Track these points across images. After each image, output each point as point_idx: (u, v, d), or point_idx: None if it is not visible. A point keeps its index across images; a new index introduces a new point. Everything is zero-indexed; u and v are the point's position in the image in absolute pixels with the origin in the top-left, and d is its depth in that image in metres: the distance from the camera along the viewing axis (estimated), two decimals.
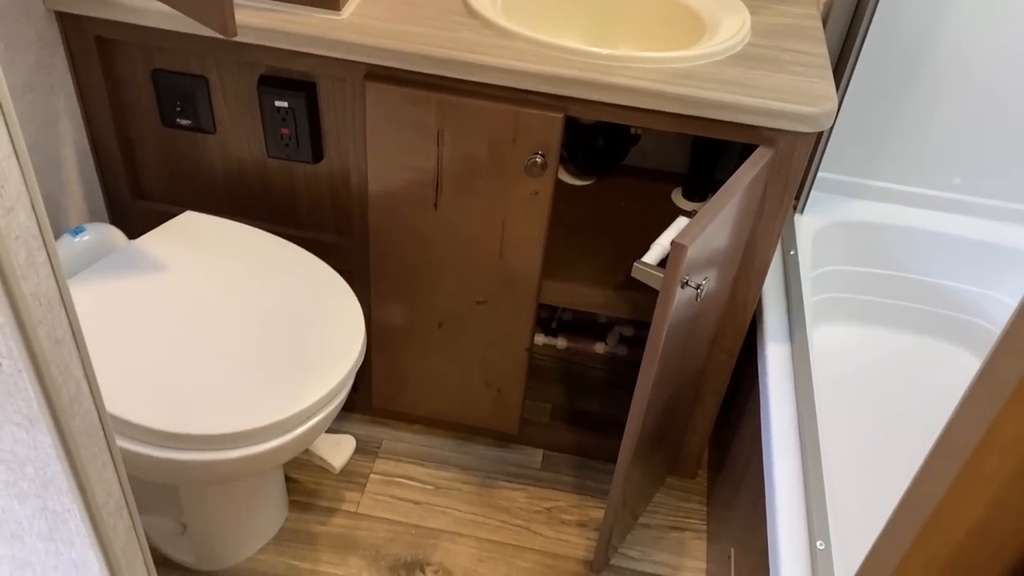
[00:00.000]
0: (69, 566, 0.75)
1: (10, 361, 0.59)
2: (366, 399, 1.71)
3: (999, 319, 1.71)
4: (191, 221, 1.41)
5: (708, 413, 1.58)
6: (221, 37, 1.25)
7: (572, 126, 1.63)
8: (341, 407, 1.25)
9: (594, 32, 1.46)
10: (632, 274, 1.18)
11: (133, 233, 1.45)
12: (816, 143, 1.57)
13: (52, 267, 0.59)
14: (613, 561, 1.56)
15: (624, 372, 1.88)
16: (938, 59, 1.52)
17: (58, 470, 0.66)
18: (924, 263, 1.70)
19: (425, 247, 1.43)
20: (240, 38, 1.24)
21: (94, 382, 0.67)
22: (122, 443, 1.12)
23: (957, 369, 1.74)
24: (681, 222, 1.27)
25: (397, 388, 1.67)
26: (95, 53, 1.34)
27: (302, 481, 1.63)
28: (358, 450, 1.70)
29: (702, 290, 1.18)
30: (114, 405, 1.11)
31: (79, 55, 1.35)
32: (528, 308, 1.48)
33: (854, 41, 1.45)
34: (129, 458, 1.14)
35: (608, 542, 1.48)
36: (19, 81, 1.28)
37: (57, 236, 1.37)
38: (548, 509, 1.64)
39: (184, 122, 1.40)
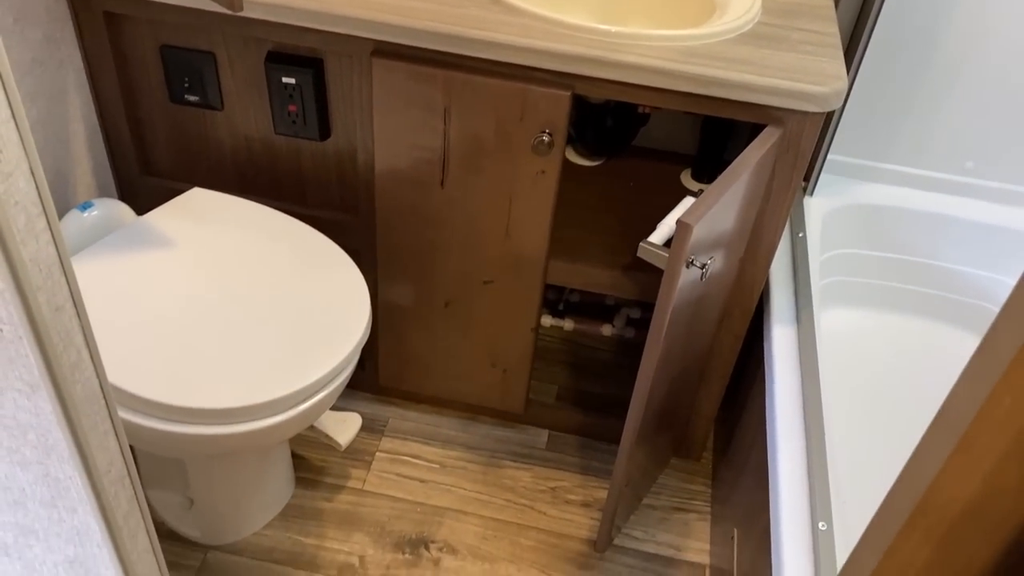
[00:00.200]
0: (72, 533, 0.76)
1: (10, 327, 0.59)
2: (372, 378, 1.72)
3: None
4: (198, 197, 1.41)
5: (713, 395, 1.58)
6: (228, 12, 1.25)
7: (581, 106, 1.62)
8: (346, 384, 1.26)
9: (602, 9, 1.45)
10: (638, 254, 1.18)
11: (141, 209, 1.45)
12: (826, 124, 1.56)
13: (52, 234, 0.59)
14: (617, 541, 1.57)
15: (631, 354, 1.88)
16: (952, 40, 1.50)
17: (59, 437, 0.67)
18: (935, 247, 1.69)
19: (431, 226, 1.43)
20: (247, 13, 1.24)
21: (95, 351, 0.67)
22: (128, 416, 1.13)
23: (965, 354, 1.73)
24: (688, 202, 1.27)
25: (403, 367, 1.67)
26: (104, 28, 1.34)
27: (309, 458, 1.64)
28: (364, 428, 1.71)
29: (707, 270, 1.17)
30: (120, 378, 1.12)
31: (88, 30, 1.35)
32: (534, 288, 1.48)
33: (866, 21, 1.44)
34: (135, 431, 1.15)
35: (611, 522, 1.49)
36: (28, 56, 1.28)
37: (66, 211, 1.38)
38: (553, 489, 1.64)
39: (192, 98, 1.40)
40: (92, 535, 0.75)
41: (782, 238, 1.58)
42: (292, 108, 1.36)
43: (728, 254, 1.30)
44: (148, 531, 0.83)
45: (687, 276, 1.14)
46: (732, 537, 1.41)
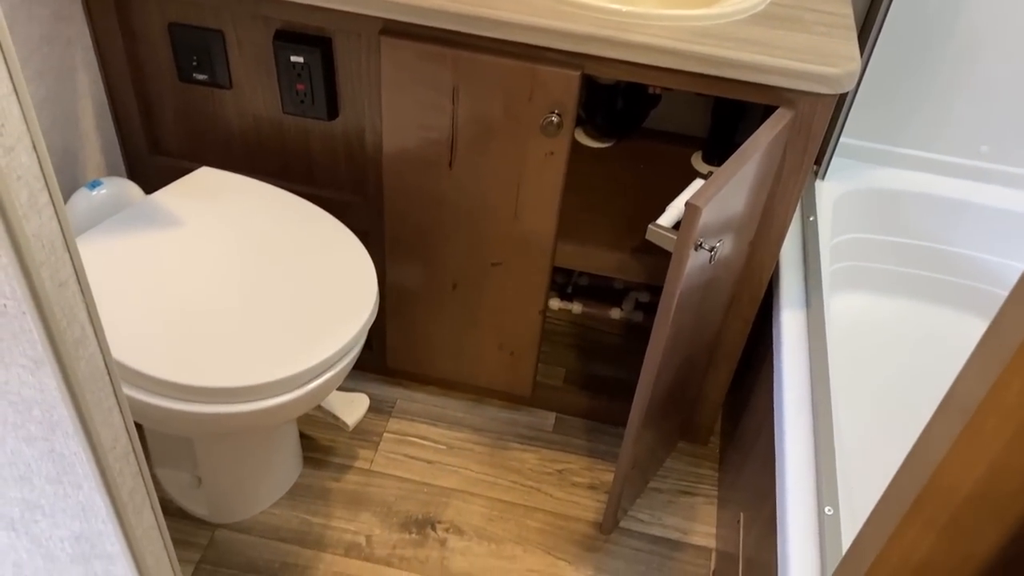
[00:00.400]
0: (77, 509, 0.76)
1: (14, 302, 0.59)
2: (380, 359, 1.72)
3: None
4: (207, 177, 1.41)
5: (722, 379, 1.58)
6: None
7: (591, 87, 1.61)
8: (353, 364, 1.26)
9: None
10: (646, 236, 1.17)
11: (150, 188, 1.45)
12: (839, 107, 1.54)
13: (55, 209, 0.59)
14: (623, 524, 1.57)
15: (639, 338, 1.88)
16: (967, 23, 1.47)
17: (64, 413, 0.67)
18: (948, 232, 1.67)
19: (439, 207, 1.43)
20: None
21: (99, 327, 0.67)
22: (135, 394, 1.14)
23: (976, 340, 1.71)
24: (698, 184, 1.26)
25: (411, 349, 1.67)
26: (112, 6, 1.34)
27: (317, 438, 1.65)
28: (372, 409, 1.71)
29: (716, 253, 1.17)
30: (127, 356, 1.13)
31: (96, 7, 1.34)
32: (543, 270, 1.47)
33: (881, 1, 1.42)
34: (143, 409, 1.15)
35: (617, 504, 1.49)
36: (36, 33, 1.28)
37: (74, 189, 1.38)
38: (559, 471, 1.64)
39: (200, 77, 1.39)
40: (97, 511, 0.76)
41: (792, 222, 1.57)
42: (300, 87, 1.35)
43: (737, 237, 1.29)
44: (153, 507, 0.83)
45: (695, 259, 1.13)
46: (738, 521, 1.41)
